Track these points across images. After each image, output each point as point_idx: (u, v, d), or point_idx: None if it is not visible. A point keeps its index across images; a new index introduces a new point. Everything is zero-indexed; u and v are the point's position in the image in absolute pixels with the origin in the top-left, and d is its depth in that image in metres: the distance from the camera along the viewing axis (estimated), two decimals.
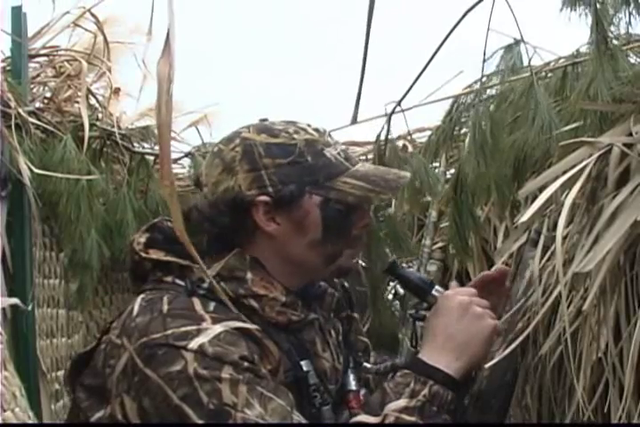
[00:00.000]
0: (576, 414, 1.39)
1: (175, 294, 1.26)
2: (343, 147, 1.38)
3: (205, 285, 1.27)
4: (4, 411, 1.02)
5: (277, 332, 1.29)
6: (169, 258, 1.31)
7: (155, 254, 1.32)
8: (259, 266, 1.31)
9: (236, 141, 1.32)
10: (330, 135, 1.37)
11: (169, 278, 1.30)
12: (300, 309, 1.32)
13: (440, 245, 2.81)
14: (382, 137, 2.13)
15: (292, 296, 1.32)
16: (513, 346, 1.37)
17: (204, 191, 1.33)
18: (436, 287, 1.40)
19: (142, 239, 1.34)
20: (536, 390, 1.56)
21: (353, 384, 1.41)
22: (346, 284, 1.56)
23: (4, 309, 2.24)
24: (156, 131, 3.20)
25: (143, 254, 1.32)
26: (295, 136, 1.32)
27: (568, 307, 1.34)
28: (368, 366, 1.49)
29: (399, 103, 2.04)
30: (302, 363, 1.31)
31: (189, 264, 1.29)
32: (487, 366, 1.39)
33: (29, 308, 2.36)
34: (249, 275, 1.29)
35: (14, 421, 1.05)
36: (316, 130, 1.35)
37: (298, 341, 1.33)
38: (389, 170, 1.43)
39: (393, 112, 2.09)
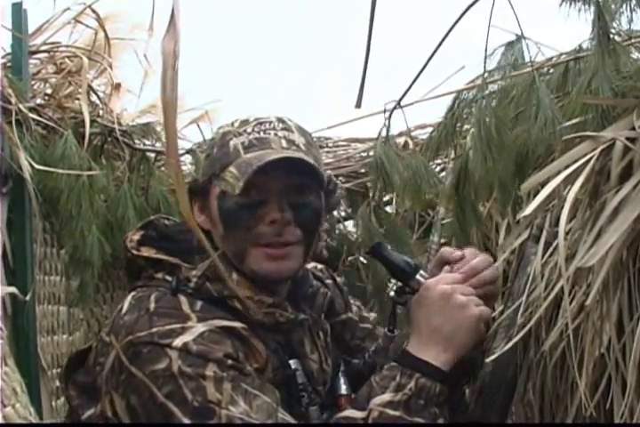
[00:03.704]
0: (578, 411, 1.39)
1: (164, 292, 1.26)
2: (261, 135, 1.30)
3: (191, 284, 1.27)
4: (5, 406, 1.02)
5: (265, 331, 1.29)
6: (159, 256, 1.31)
7: (146, 252, 1.33)
8: None
9: None
10: (261, 124, 1.31)
11: (160, 275, 1.30)
12: (290, 309, 1.32)
13: (444, 241, 2.81)
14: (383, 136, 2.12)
15: (279, 297, 1.32)
16: (514, 341, 1.36)
17: None
18: (421, 272, 1.36)
19: (136, 237, 1.35)
20: (538, 386, 1.55)
21: (344, 389, 1.41)
22: (338, 279, 1.54)
23: (4, 305, 2.24)
24: (157, 128, 3.20)
25: (135, 252, 1.33)
26: (220, 130, 1.34)
27: (570, 302, 1.33)
28: (355, 361, 1.49)
29: (399, 103, 2.03)
30: (291, 362, 1.31)
31: (179, 262, 1.29)
32: (488, 360, 1.38)
33: (30, 304, 2.36)
34: (234, 275, 1.29)
35: (15, 417, 1.05)
36: (243, 121, 1.33)
37: (286, 341, 1.33)
38: (262, 153, 1.28)
39: (392, 112, 2.09)
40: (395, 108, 2.04)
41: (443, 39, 1.88)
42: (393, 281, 3.36)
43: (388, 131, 2.03)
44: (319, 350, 1.40)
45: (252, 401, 1.17)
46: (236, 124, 1.32)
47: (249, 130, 1.31)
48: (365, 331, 1.57)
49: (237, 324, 1.24)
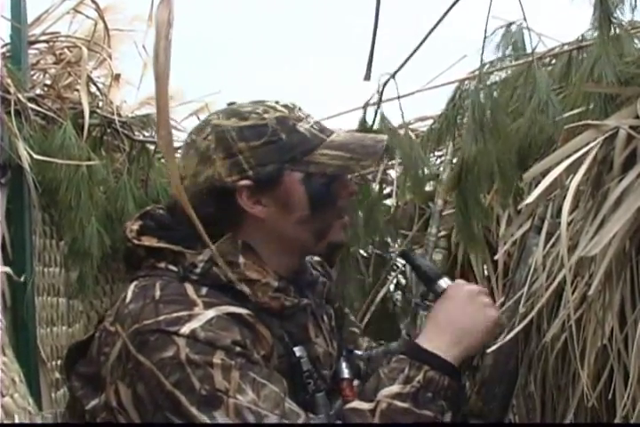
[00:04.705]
0: (580, 402, 1.38)
1: (168, 280, 1.25)
2: (316, 119, 1.36)
3: (198, 270, 1.26)
4: (4, 396, 1.01)
5: (270, 317, 1.28)
6: (161, 244, 1.30)
7: (147, 241, 1.31)
8: (250, 250, 1.30)
9: (208, 130, 1.30)
10: (300, 109, 1.35)
11: (162, 264, 1.29)
12: (293, 294, 1.32)
13: (444, 233, 2.81)
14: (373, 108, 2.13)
15: (285, 282, 1.31)
16: (515, 331, 1.36)
17: (184, 184, 1.28)
18: (445, 279, 1.38)
19: (135, 227, 1.34)
20: (540, 377, 1.55)
21: (346, 372, 1.40)
22: (331, 272, 1.55)
23: (4, 297, 2.24)
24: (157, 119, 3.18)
25: (136, 242, 1.32)
26: (265, 116, 1.30)
27: (572, 293, 1.32)
28: (359, 353, 1.49)
29: (393, 76, 2.02)
30: (295, 349, 1.31)
31: (182, 250, 1.28)
32: (489, 350, 1.38)
33: (29, 296, 2.35)
34: (241, 259, 1.28)
35: (14, 407, 1.05)
36: (285, 106, 1.33)
37: (290, 327, 1.32)
38: (365, 135, 1.42)
39: (386, 84, 2.08)
40: (387, 80, 2.04)
41: (436, 24, 1.87)
42: (390, 277, 3.37)
43: (379, 102, 2.02)
44: (324, 334, 1.40)
45: (260, 390, 1.16)
46: (284, 109, 1.32)
47: (302, 115, 1.34)
48: (354, 335, 1.58)
49: (243, 310, 1.24)
